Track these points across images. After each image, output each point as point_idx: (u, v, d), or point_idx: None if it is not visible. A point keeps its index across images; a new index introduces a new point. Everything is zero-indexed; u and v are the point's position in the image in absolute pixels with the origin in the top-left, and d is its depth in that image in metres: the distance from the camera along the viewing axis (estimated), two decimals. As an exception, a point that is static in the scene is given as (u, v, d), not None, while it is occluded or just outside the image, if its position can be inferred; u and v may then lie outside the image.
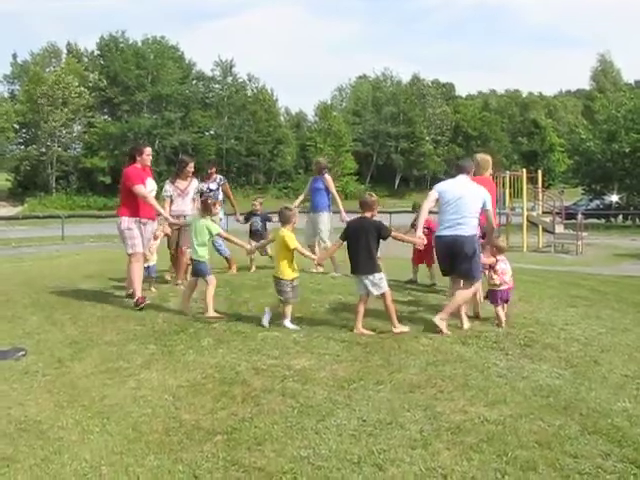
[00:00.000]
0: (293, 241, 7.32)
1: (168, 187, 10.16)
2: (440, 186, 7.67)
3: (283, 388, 5.20)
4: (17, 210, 55.54)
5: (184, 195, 10.07)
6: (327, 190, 11.21)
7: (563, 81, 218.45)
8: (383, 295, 7.02)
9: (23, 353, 6.26)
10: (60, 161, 63.78)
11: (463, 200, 7.32)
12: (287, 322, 7.24)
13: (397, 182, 79.42)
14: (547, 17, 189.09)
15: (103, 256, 16.69)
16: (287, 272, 7.32)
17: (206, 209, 8.18)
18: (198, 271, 8.03)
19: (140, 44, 71.13)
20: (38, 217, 39.04)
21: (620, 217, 40.25)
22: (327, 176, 11.30)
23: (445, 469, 3.77)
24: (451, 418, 4.54)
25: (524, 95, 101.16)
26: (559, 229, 23.37)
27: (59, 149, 64.29)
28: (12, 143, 65.50)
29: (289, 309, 7.33)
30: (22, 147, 66.64)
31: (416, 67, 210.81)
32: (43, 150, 63.51)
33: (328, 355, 6.10)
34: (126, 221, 8.58)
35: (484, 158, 8.71)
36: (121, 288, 9.63)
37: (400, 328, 6.95)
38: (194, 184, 10.32)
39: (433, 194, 7.54)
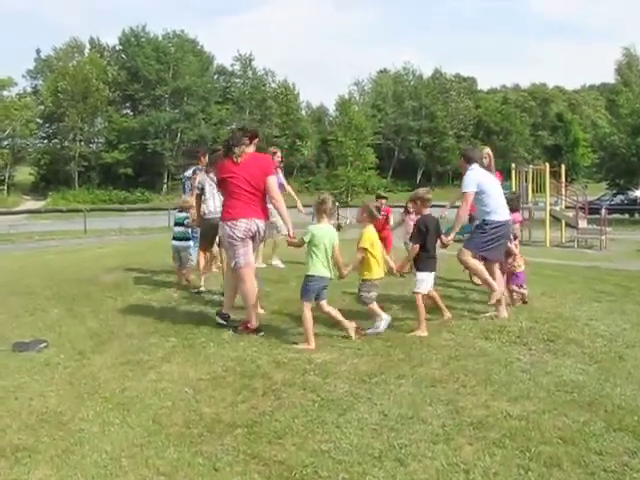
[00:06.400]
0: None
1: None
2: (476, 179, 7.55)
3: (304, 382, 5.17)
4: (40, 204, 56.05)
5: None
6: None
7: (586, 75, 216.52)
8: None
9: (45, 345, 6.29)
10: (81, 156, 64.33)
11: (499, 185, 7.83)
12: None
13: (419, 177, 79.00)
14: (569, 9, 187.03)
15: (125, 249, 16.78)
16: None
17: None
18: None
19: (160, 38, 71.44)
20: (61, 211, 39.55)
21: (645, 212, 39.72)
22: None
23: (467, 464, 3.72)
24: (473, 413, 4.49)
25: (548, 89, 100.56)
26: (582, 224, 23.09)
27: (81, 144, 64.88)
28: (35, 137, 66.17)
29: None
30: (45, 141, 67.36)
31: (437, 60, 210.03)
32: (66, 144, 64.14)
33: (349, 349, 6.08)
34: None
35: None
36: (142, 281, 9.68)
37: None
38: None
39: (472, 193, 7.48)
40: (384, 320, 6.80)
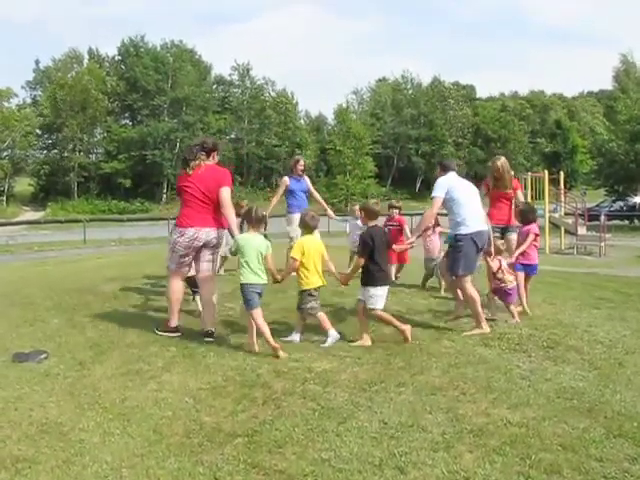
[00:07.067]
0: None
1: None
2: (447, 185, 7.43)
3: (304, 391, 5.18)
4: (40, 214, 56.04)
5: None
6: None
7: (584, 82, 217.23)
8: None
9: (45, 356, 6.28)
10: (81, 166, 64.36)
11: (476, 194, 7.62)
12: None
13: (418, 185, 78.94)
14: (568, 17, 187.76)
15: (124, 259, 16.78)
16: None
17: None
18: None
19: (159, 48, 71.57)
20: (60, 221, 39.45)
21: (644, 219, 39.68)
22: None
23: (467, 472, 3.73)
24: (473, 420, 4.49)
25: (546, 96, 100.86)
26: (582, 231, 23.14)
27: (80, 154, 64.93)
28: (35, 148, 66.22)
29: None
30: (44, 152, 67.43)
31: (436, 69, 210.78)
32: (65, 155, 64.21)
33: (349, 358, 6.08)
34: None
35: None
36: (142, 291, 9.67)
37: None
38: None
39: (440, 198, 7.41)
40: (331, 337, 6.72)
